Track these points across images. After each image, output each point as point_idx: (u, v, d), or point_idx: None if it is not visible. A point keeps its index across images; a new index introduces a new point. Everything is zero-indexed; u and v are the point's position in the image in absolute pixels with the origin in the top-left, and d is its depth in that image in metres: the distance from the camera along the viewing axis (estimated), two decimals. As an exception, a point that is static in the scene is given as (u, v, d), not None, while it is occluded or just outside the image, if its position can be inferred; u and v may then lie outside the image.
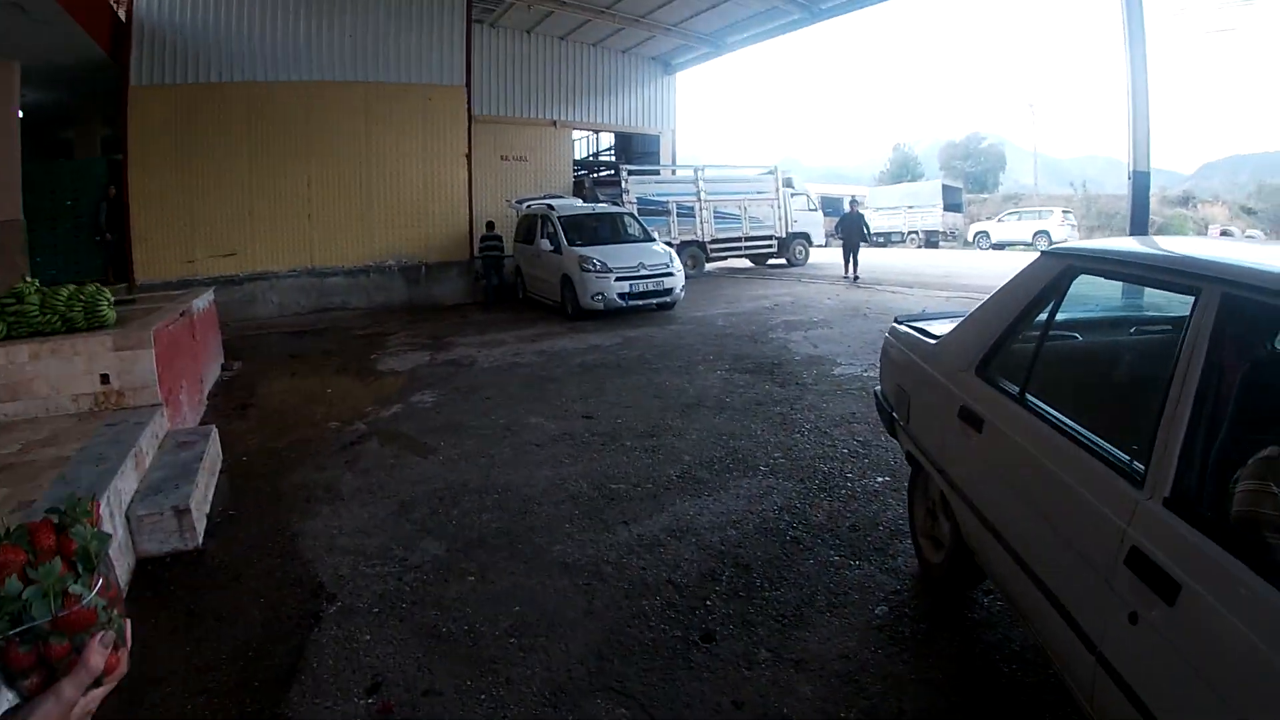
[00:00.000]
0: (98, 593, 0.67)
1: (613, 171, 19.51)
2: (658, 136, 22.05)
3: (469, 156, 14.66)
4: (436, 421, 5.98)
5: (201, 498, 4.29)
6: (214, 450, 5.09)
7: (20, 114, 13.30)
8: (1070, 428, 2.03)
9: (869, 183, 48.69)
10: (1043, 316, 2.44)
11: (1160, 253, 2.18)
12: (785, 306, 11.63)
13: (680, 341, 8.99)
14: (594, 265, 10.81)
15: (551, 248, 11.81)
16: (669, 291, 11.22)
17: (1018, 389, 2.32)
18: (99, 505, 1.63)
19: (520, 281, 13.94)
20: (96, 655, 0.66)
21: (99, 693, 0.69)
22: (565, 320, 11.11)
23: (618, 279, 10.77)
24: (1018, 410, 2.27)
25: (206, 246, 12.89)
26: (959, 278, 14.94)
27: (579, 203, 14.39)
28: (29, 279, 5.51)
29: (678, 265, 11.50)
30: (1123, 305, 3.06)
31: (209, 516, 4.25)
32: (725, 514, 3.93)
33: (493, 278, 14.53)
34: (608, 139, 24.88)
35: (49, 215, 11.92)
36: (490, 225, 14.89)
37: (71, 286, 5.39)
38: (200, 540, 3.89)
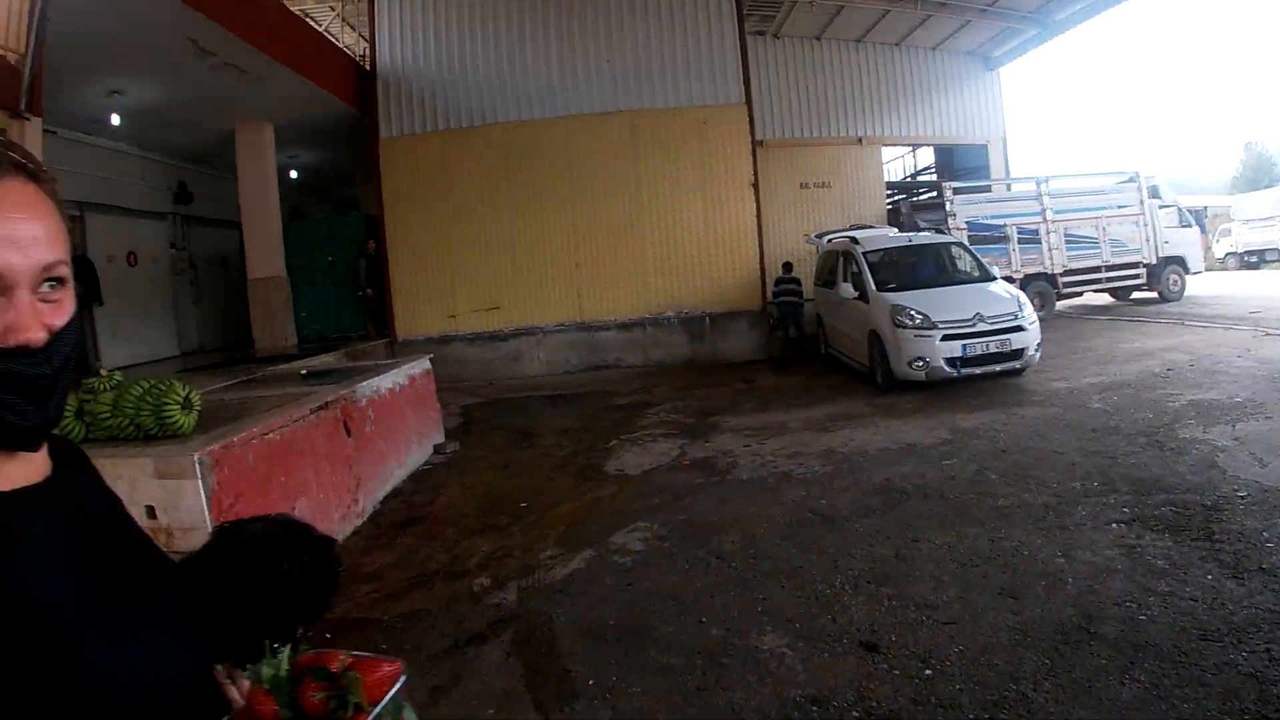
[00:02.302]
0: None
1: (934, 192, 16.11)
2: (984, 146, 17.73)
3: (756, 186, 12.25)
4: (613, 608, 3.48)
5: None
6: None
7: (295, 175, 14.13)
8: None
9: (1220, 190, 38.72)
10: None
11: None
12: (1182, 371, 7.54)
13: (1041, 443, 5.50)
14: (911, 318, 7.57)
15: (855, 293, 8.81)
16: (1018, 354, 7.58)
17: None
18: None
19: (821, 334, 11.05)
20: None
21: None
22: (873, 393, 8.03)
23: (945, 337, 7.41)
24: None
25: (468, 300, 12.20)
26: None
27: (892, 232, 11.19)
28: (105, 371, 4.19)
29: (1029, 314, 7.77)
30: None
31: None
32: None
33: (790, 329, 11.94)
34: (925, 156, 21.12)
35: (309, 272, 12.03)
36: (787, 266, 12.34)
37: (148, 381, 3.93)
38: None
